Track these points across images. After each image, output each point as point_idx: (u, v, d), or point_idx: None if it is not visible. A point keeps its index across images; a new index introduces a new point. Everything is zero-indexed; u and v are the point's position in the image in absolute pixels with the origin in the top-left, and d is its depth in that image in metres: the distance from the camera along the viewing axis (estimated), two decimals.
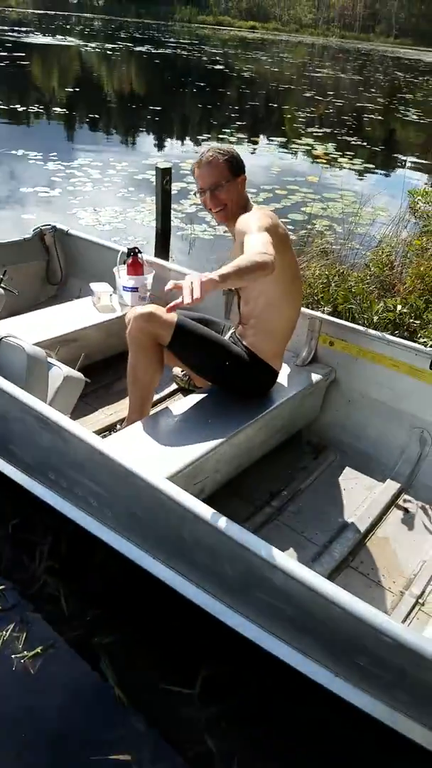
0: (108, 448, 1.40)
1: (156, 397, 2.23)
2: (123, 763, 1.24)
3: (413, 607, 1.55)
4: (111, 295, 2.48)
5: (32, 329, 2.15)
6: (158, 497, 1.33)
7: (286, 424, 1.96)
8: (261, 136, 9.22)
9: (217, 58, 22.77)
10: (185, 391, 2.33)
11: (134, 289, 2.42)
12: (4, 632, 1.48)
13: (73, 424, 1.47)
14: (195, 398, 1.82)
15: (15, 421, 1.62)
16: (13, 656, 1.42)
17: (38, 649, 1.44)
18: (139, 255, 2.45)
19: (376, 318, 2.87)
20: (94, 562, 1.67)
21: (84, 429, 1.46)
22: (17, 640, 1.46)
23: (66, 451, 1.51)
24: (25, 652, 1.43)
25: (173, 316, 1.77)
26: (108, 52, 20.32)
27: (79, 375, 1.85)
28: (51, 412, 1.50)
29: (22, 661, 1.42)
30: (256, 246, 1.49)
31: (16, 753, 1.25)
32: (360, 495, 1.92)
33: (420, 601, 1.57)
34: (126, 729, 1.30)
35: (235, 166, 1.77)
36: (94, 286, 2.50)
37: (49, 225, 2.89)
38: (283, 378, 1.98)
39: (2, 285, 2.35)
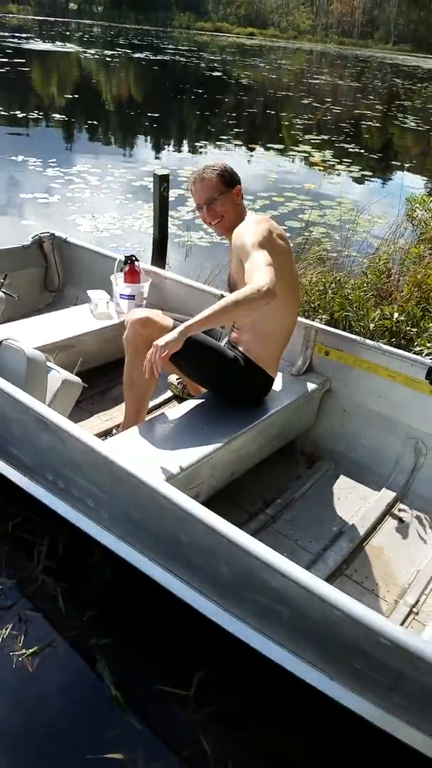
0: (106, 450, 1.42)
1: (151, 404, 2.24)
2: (118, 761, 1.25)
3: (407, 616, 1.55)
4: (108, 302, 2.49)
5: (31, 334, 2.16)
6: (155, 499, 1.33)
7: (280, 433, 1.97)
8: (258, 143, 9.26)
9: (215, 64, 22.91)
10: (180, 399, 2.34)
11: (131, 297, 2.43)
12: (3, 630, 1.49)
13: (72, 426, 1.48)
14: (191, 404, 1.83)
15: (14, 421, 1.64)
16: (11, 654, 1.44)
17: (36, 648, 1.46)
18: (136, 263, 2.46)
19: (372, 325, 2.88)
20: (91, 562, 1.69)
21: (82, 430, 1.48)
22: (16, 638, 1.48)
23: (64, 452, 1.53)
24: (24, 650, 1.45)
25: (169, 321, 1.78)
26: (107, 58, 20.44)
27: (77, 379, 1.87)
28: (50, 413, 1.51)
29: (21, 659, 1.43)
30: (252, 274, 1.54)
31: (13, 749, 1.27)
32: (354, 504, 1.92)
33: (414, 610, 1.57)
34: (122, 728, 1.31)
35: (227, 179, 1.81)
36: (92, 293, 2.52)
37: (48, 232, 2.91)
38: (278, 387, 1.99)
39: (2, 290, 2.36)
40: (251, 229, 1.69)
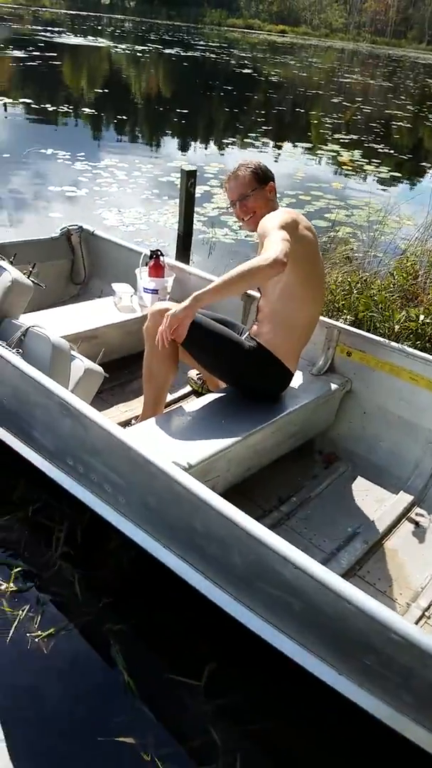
0: (126, 436, 1.45)
1: (170, 398, 2.26)
2: (128, 746, 1.27)
3: (419, 619, 1.54)
4: (132, 296, 2.52)
5: (56, 323, 2.20)
6: (171, 486, 1.35)
7: (299, 431, 1.97)
8: (287, 142, 9.22)
9: (246, 62, 22.83)
10: (198, 394, 2.36)
11: (154, 291, 2.45)
12: (20, 611, 1.53)
13: (94, 412, 1.51)
14: (209, 398, 1.85)
15: (38, 406, 1.68)
16: (27, 635, 1.48)
17: (52, 630, 1.49)
18: (161, 258, 2.48)
19: (397, 327, 2.85)
20: (108, 549, 1.72)
21: (104, 417, 1.50)
22: (32, 620, 1.51)
23: (85, 437, 1.56)
24: (40, 632, 1.48)
25: None
26: (138, 53, 20.50)
27: (99, 369, 1.90)
28: (73, 398, 1.55)
29: (36, 640, 1.47)
30: (266, 248, 1.59)
31: (25, 728, 1.30)
32: (371, 506, 1.92)
33: (426, 613, 1.56)
34: (133, 714, 1.34)
35: (261, 176, 1.86)
36: (116, 286, 2.55)
37: (76, 225, 2.95)
38: (297, 385, 1.99)
39: (31, 278, 2.40)
40: (276, 215, 1.73)
